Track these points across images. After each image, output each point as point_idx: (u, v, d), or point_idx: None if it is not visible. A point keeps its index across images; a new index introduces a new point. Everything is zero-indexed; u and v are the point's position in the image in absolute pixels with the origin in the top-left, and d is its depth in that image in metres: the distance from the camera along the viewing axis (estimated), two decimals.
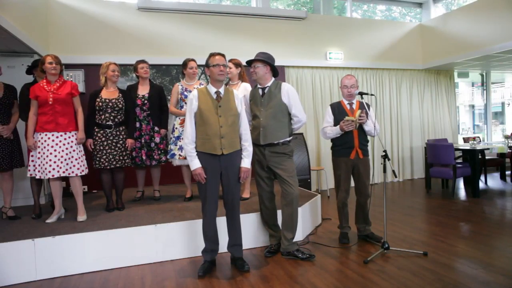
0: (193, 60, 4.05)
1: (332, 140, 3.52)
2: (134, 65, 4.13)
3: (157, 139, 4.07)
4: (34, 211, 3.68)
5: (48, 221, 3.38)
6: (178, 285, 2.74)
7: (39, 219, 3.56)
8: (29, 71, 3.87)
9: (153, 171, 4.31)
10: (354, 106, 3.47)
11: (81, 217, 3.42)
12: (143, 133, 4.03)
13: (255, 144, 3.14)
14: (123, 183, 3.86)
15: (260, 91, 3.19)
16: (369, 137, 3.54)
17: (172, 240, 3.26)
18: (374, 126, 3.34)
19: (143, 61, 4.11)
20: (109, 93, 3.69)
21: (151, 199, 4.30)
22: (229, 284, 2.73)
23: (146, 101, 4.03)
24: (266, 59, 3.12)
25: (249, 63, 3.18)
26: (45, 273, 2.93)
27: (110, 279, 2.88)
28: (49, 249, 2.95)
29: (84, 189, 4.24)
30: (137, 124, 3.99)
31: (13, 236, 3.00)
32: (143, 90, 4.08)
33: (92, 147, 3.62)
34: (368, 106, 3.44)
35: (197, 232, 3.23)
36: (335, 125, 3.45)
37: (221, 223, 3.11)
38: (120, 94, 3.75)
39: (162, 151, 4.11)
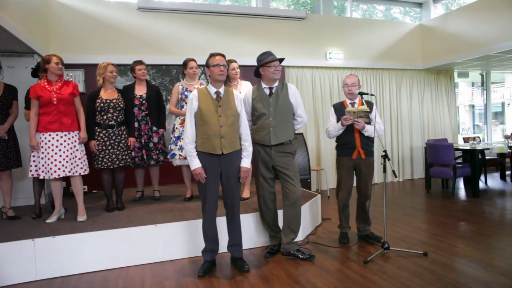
0: (193, 60, 4.04)
1: (336, 139, 3.53)
2: (131, 65, 4.12)
3: (155, 139, 4.07)
4: (34, 211, 3.68)
5: (48, 221, 3.38)
6: (178, 285, 2.74)
7: (39, 219, 3.56)
8: (35, 73, 3.85)
9: (152, 171, 4.31)
10: (356, 106, 3.47)
11: (81, 217, 3.42)
12: (142, 133, 4.04)
13: (262, 144, 3.14)
14: (123, 183, 3.86)
15: (267, 91, 3.19)
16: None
17: (172, 240, 3.26)
18: (375, 127, 3.32)
19: (140, 62, 4.08)
20: (108, 94, 3.69)
21: (151, 199, 4.30)
22: (229, 284, 2.73)
23: (144, 101, 4.03)
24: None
25: (268, 61, 3.12)
26: (45, 273, 2.93)
27: (110, 279, 2.88)
28: (49, 249, 2.95)
29: (84, 189, 4.24)
30: (136, 124, 3.99)
31: (13, 236, 3.00)
32: (141, 90, 4.08)
33: (97, 148, 3.62)
34: (371, 104, 3.45)
35: (197, 232, 3.23)
36: None
37: (221, 223, 3.11)
38: (119, 94, 3.76)
39: (161, 151, 4.11)
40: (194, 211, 3.64)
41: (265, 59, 3.10)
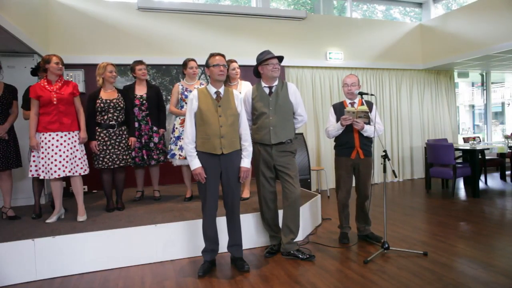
0: (193, 60, 4.04)
1: (335, 139, 3.53)
2: (131, 65, 4.12)
3: (156, 139, 4.08)
4: (34, 211, 3.67)
5: (48, 221, 3.38)
6: (178, 285, 2.74)
7: (39, 219, 3.56)
8: (34, 72, 3.86)
9: (152, 171, 4.31)
10: (356, 106, 3.47)
11: (81, 217, 3.42)
12: (142, 133, 4.04)
13: (262, 144, 3.14)
14: (123, 183, 3.86)
15: (267, 90, 3.19)
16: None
17: (172, 240, 3.26)
18: (375, 127, 3.31)
19: (140, 62, 4.09)
20: (108, 94, 3.69)
21: (151, 199, 4.30)
22: (229, 284, 2.73)
23: (144, 101, 4.04)
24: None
25: (267, 59, 3.12)
26: (45, 273, 2.93)
27: (110, 279, 2.88)
28: (49, 249, 2.95)
29: (84, 189, 4.24)
30: (136, 124, 3.99)
31: (13, 236, 3.00)
32: (141, 91, 4.08)
33: (97, 148, 3.62)
34: (371, 104, 3.44)
35: (197, 232, 3.23)
36: None
37: (221, 223, 3.11)
38: (119, 94, 3.75)
39: (161, 151, 4.11)
40: (194, 211, 3.64)
41: (263, 57, 3.11)
